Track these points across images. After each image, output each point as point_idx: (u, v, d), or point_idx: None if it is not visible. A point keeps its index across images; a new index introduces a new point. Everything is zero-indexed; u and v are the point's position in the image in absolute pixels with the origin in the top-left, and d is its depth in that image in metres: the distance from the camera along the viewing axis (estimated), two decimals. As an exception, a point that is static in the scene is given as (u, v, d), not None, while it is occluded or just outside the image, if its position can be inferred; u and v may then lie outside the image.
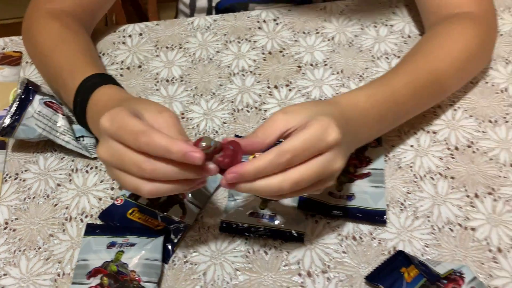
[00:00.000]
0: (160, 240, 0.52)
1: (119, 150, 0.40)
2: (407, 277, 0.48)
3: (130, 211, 0.54)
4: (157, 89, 0.66)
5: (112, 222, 0.54)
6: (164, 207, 0.55)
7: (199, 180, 0.41)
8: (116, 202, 0.55)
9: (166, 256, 0.52)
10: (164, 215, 0.54)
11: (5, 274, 0.51)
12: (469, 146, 0.58)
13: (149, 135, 0.38)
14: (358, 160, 0.57)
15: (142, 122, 0.40)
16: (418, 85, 0.55)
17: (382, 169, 0.57)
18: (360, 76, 0.66)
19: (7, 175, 0.59)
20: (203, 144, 0.39)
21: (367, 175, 0.56)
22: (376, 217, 0.53)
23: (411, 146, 0.59)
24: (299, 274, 0.50)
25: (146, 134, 0.38)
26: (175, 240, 0.53)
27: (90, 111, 0.53)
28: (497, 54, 0.67)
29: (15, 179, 0.59)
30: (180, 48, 0.70)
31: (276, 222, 0.53)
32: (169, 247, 0.52)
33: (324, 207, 0.54)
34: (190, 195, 0.56)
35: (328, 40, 0.70)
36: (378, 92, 0.52)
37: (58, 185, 0.58)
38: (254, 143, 0.43)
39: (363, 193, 0.55)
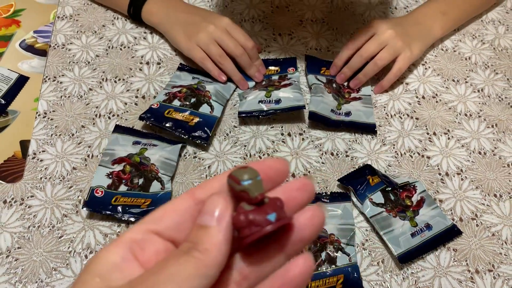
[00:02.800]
0: (178, 146, 0.63)
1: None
2: (371, 182, 0.60)
3: (166, 111, 0.65)
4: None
5: (150, 121, 0.63)
6: (196, 107, 0.66)
7: None
8: (153, 106, 0.65)
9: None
10: (195, 111, 0.65)
11: (43, 151, 0.62)
12: (433, 97, 0.71)
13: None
14: (351, 88, 0.71)
15: None
16: None
17: (369, 95, 0.70)
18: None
19: (46, 77, 0.69)
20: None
21: (359, 98, 0.70)
22: (369, 128, 0.66)
23: (386, 91, 0.71)
24: (286, 175, 0.62)
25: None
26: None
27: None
28: (466, 30, 0.80)
29: (53, 80, 0.69)
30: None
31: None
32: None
33: (328, 120, 0.65)
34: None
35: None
36: None
37: (90, 89, 0.68)
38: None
39: (357, 110, 0.68)
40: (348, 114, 0.67)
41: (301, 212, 0.26)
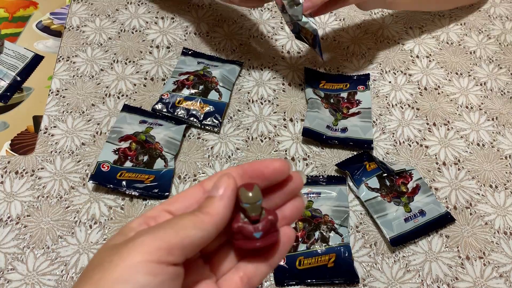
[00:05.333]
0: (182, 127, 0.65)
1: None
2: (368, 168, 0.62)
3: (177, 101, 0.67)
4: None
5: (163, 112, 0.66)
6: (205, 95, 0.68)
7: None
8: (163, 97, 0.67)
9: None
10: (204, 98, 0.67)
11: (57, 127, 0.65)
12: (436, 89, 0.72)
13: None
14: (350, 103, 0.70)
15: None
16: None
17: (369, 108, 0.69)
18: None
19: (60, 57, 0.72)
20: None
21: (358, 113, 0.69)
22: (365, 145, 0.65)
23: (389, 82, 0.73)
24: (285, 158, 0.64)
25: None
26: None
27: None
28: (472, 24, 0.81)
29: (67, 60, 0.72)
30: None
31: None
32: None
33: (322, 137, 0.65)
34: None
35: None
36: None
37: (101, 69, 0.71)
38: None
39: (354, 126, 0.67)
40: (344, 130, 0.66)
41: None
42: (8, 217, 0.57)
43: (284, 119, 0.68)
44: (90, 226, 0.57)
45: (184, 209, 0.30)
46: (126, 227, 0.29)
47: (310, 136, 0.64)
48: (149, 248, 0.25)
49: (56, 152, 0.63)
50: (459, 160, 0.65)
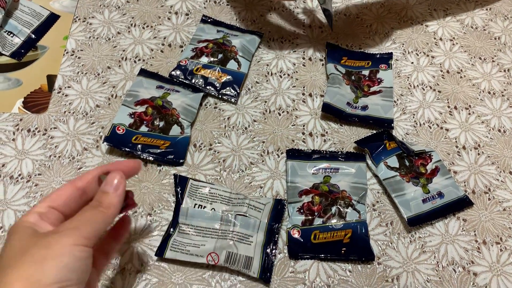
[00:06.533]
0: (200, 95, 0.63)
1: None
2: (387, 147, 0.60)
3: (195, 68, 0.65)
4: None
5: (180, 79, 0.64)
6: (224, 64, 0.66)
7: None
8: (181, 63, 0.65)
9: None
10: (223, 68, 0.66)
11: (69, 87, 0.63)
12: (458, 72, 0.71)
13: None
14: (371, 81, 0.68)
15: None
16: None
17: (391, 87, 0.67)
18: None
19: (76, 17, 0.70)
20: None
21: (379, 92, 0.67)
22: (385, 124, 0.63)
23: (412, 62, 0.71)
24: (303, 133, 0.63)
25: None
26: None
27: None
28: (498, 10, 0.79)
29: (83, 21, 0.70)
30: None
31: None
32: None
33: (342, 113, 0.63)
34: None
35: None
36: None
37: (118, 33, 0.69)
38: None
39: (375, 104, 0.65)
40: (364, 108, 0.64)
41: None
42: (19, 175, 0.56)
43: (303, 94, 0.66)
44: (103, 189, 0.56)
45: (63, 205, 0.38)
46: (23, 221, 0.36)
47: (330, 112, 0.63)
48: (76, 237, 0.34)
49: (69, 112, 0.61)
50: (479, 145, 0.63)
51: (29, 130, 0.59)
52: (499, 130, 0.65)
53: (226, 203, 0.53)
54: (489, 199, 0.59)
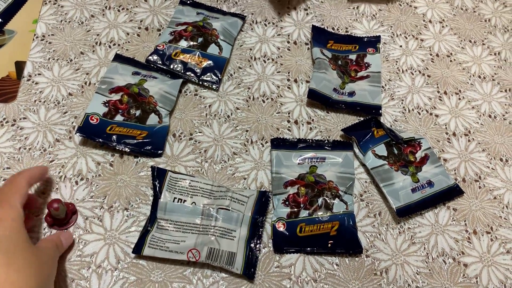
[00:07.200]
0: (179, 81, 0.60)
1: None
2: (375, 134, 0.58)
3: (174, 53, 0.62)
4: None
5: (158, 65, 0.61)
6: (204, 48, 0.63)
7: None
8: (159, 48, 0.62)
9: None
10: (203, 52, 0.62)
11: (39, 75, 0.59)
12: (448, 56, 0.68)
13: None
14: (358, 66, 0.66)
15: None
16: None
17: (379, 72, 0.64)
18: None
19: (47, -1, 0.66)
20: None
21: (367, 77, 0.64)
22: (373, 111, 0.61)
23: (400, 46, 0.68)
24: (288, 121, 0.60)
25: None
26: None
27: None
28: None
29: (54, 3, 0.66)
30: None
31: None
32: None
33: (328, 100, 0.61)
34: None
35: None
36: None
37: (92, 16, 0.65)
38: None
39: (362, 90, 0.63)
40: (351, 94, 0.62)
41: None
42: (-14, 169, 0.52)
43: (288, 80, 0.63)
44: (76, 182, 0.52)
45: None
46: None
47: (316, 99, 0.60)
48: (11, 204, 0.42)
49: (40, 101, 0.57)
50: (469, 131, 0.61)
51: (-4, 121, 0.56)
52: (490, 116, 0.63)
53: (208, 196, 0.51)
54: (479, 187, 0.57)
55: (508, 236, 0.54)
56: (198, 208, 0.50)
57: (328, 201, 0.52)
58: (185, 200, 0.50)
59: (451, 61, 0.68)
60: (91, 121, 0.54)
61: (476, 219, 0.55)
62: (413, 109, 0.63)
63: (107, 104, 0.56)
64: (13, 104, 0.57)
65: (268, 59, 0.65)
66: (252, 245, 0.49)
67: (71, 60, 0.61)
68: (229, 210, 0.50)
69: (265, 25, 0.68)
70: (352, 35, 0.68)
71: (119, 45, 0.63)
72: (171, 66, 0.61)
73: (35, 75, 0.59)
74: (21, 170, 0.48)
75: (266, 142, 0.58)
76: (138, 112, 0.56)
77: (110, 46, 0.63)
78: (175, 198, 0.50)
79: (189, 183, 0.51)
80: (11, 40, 0.62)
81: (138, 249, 0.47)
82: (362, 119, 0.61)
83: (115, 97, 0.57)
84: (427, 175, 0.56)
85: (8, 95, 0.57)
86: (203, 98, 0.60)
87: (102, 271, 0.48)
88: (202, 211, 0.50)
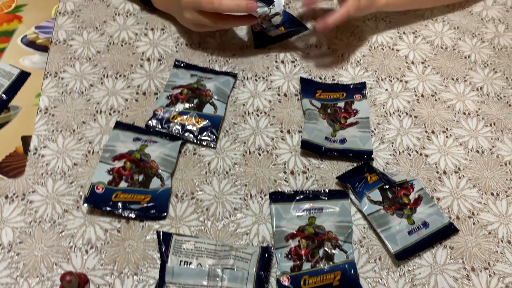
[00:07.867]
0: (178, 143, 0.63)
1: None
2: (369, 180, 0.61)
3: (171, 116, 0.65)
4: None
5: (157, 129, 0.65)
6: (200, 109, 0.66)
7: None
8: (157, 112, 0.65)
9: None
10: (199, 113, 0.65)
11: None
12: (432, 95, 0.71)
13: None
14: (347, 113, 0.69)
15: None
16: None
17: (367, 117, 0.67)
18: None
19: (47, 72, 0.70)
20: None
21: (356, 123, 0.67)
22: (365, 156, 0.63)
23: (386, 89, 0.72)
24: (284, 172, 0.62)
25: None
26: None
27: None
28: (466, 28, 0.80)
29: (54, 76, 0.69)
30: None
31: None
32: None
33: (321, 149, 0.63)
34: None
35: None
36: None
37: (91, 85, 0.69)
38: None
39: (353, 136, 0.65)
40: (343, 141, 0.64)
41: None
42: (0, 245, 0.55)
43: (282, 131, 0.66)
44: (86, 251, 0.55)
45: None
46: None
47: (309, 149, 0.63)
48: None
49: (47, 173, 0.60)
50: (459, 168, 0.64)
51: (6, 197, 0.58)
52: (477, 151, 0.66)
53: (212, 256, 0.53)
54: (473, 223, 0.59)
55: (505, 270, 0.56)
56: (203, 269, 0.52)
57: (329, 251, 0.54)
58: (190, 262, 0.52)
59: (436, 100, 0.71)
60: (96, 191, 0.57)
61: (473, 256, 0.57)
62: (403, 151, 0.65)
63: (111, 172, 0.59)
64: (21, 179, 0.60)
65: (261, 113, 0.68)
66: (259, 301, 0.51)
67: (74, 130, 0.64)
68: (233, 269, 0.52)
69: (256, 80, 0.72)
70: (339, 83, 0.72)
71: (118, 111, 0.66)
72: (170, 129, 0.64)
73: (41, 148, 0.62)
74: None
75: (265, 195, 0.60)
76: (141, 177, 0.59)
77: (110, 114, 0.66)
78: (181, 261, 0.52)
79: (194, 244, 0.54)
80: (17, 116, 0.65)
81: (149, 315, 0.49)
82: (355, 165, 0.63)
83: (118, 164, 0.60)
84: (422, 216, 0.58)
85: (17, 170, 0.60)
86: (202, 156, 0.63)
87: (116, 339, 0.50)
88: (208, 272, 0.52)
